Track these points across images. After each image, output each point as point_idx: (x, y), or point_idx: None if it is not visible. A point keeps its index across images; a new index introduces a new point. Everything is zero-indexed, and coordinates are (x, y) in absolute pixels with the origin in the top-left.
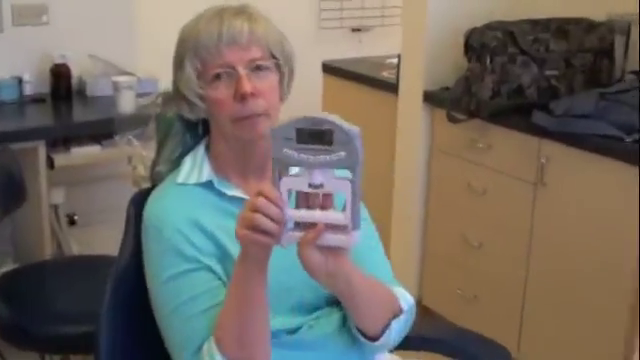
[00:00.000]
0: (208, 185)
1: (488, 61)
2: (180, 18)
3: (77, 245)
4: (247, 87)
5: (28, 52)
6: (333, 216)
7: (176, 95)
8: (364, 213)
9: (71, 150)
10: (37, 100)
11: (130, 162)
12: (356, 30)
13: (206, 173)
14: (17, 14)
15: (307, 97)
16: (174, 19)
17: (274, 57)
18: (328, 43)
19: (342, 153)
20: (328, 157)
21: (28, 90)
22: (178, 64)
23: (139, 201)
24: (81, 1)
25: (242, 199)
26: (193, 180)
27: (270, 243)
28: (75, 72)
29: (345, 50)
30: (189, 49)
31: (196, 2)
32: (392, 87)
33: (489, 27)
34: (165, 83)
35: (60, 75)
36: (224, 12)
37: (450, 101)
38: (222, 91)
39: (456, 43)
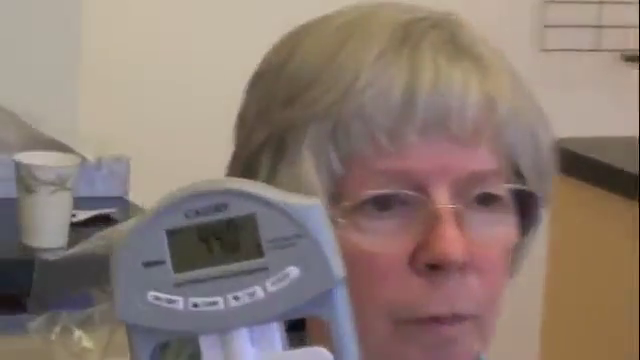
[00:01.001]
0: None
1: None
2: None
3: None
4: (456, 246)
5: None
6: None
7: None
8: None
9: None
10: None
11: None
12: (633, 59)
13: None
14: None
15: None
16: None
17: (519, 175)
18: (562, 86)
19: (293, 270)
20: (260, 290)
21: None
22: (278, 141)
23: None
24: None
25: None
26: None
27: None
28: None
29: (604, 105)
30: (321, 116)
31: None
32: None
33: None
34: (141, 173)
35: None
36: (421, 36)
37: None
38: (387, 240)
39: None
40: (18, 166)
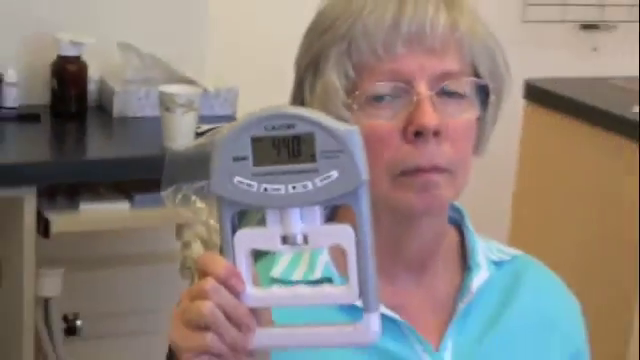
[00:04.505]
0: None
1: None
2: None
3: None
4: (431, 118)
5: (16, 33)
6: (329, 293)
7: None
8: (580, 337)
9: (80, 207)
10: (26, 117)
11: (179, 236)
12: (589, 27)
13: (321, 264)
14: None
15: (494, 139)
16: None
17: (477, 75)
18: (537, 47)
19: (334, 173)
20: (310, 184)
21: (11, 98)
22: (311, 64)
23: None
24: None
25: (386, 317)
26: (298, 275)
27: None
28: (95, 73)
29: (567, 61)
30: (338, 40)
31: None
32: None
33: None
34: (248, 99)
35: (68, 75)
36: None
37: None
38: (385, 120)
39: None
40: (161, 94)
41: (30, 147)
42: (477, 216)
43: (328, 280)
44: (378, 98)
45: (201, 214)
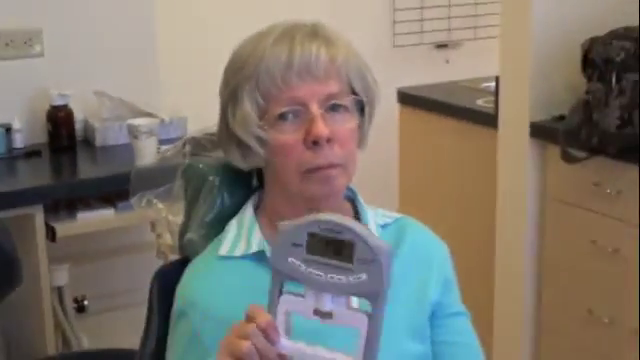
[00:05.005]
0: (259, 257)
1: (614, 80)
2: (210, 43)
3: (88, 337)
4: (323, 130)
5: (17, 92)
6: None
7: (225, 138)
8: (457, 299)
9: (77, 216)
10: (31, 153)
11: (153, 229)
12: (441, 46)
13: (256, 241)
14: (1, 43)
15: (379, 135)
16: (202, 44)
17: (354, 93)
18: (405, 64)
19: (363, 276)
20: (344, 279)
21: (19, 141)
22: (231, 96)
23: (165, 276)
24: (83, 26)
25: None
26: (240, 251)
27: None
28: (79, 115)
29: (427, 72)
30: (248, 78)
31: (230, 23)
32: (490, 119)
33: (614, 35)
34: (195, 124)
35: (59, 120)
36: (295, 31)
37: (565, 134)
38: (289, 134)
39: (571, 58)
40: (129, 126)
41: (36, 175)
42: (375, 193)
43: (261, 253)
44: (283, 118)
45: (162, 212)
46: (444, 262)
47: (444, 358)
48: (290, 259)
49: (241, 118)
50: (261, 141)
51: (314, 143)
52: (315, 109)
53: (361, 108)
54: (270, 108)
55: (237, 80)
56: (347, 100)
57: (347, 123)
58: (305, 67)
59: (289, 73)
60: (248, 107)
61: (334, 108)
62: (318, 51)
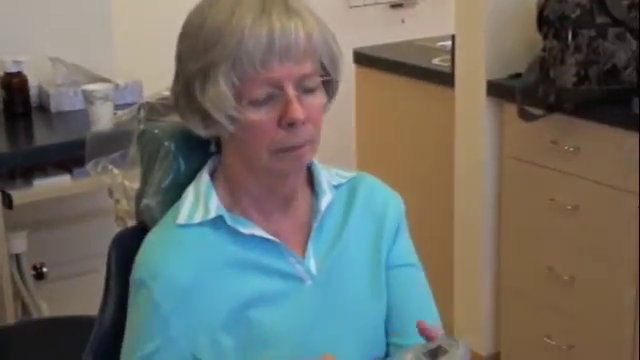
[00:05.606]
0: (217, 223)
1: (570, 37)
2: (164, 6)
3: (47, 304)
4: (299, 113)
5: None
6: None
7: (185, 106)
8: (408, 251)
9: (33, 183)
10: None
11: (111, 195)
12: (396, 6)
13: (214, 207)
14: None
15: (336, 96)
16: (156, 8)
17: (324, 69)
18: (361, 25)
19: None
20: None
21: None
22: (201, 71)
23: (123, 242)
24: None
25: (263, 239)
26: (198, 218)
27: None
28: (33, 81)
29: (383, 33)
30: (225, 57)
31: None
32: (446, 78)
33: None
34: (150, 89)
35: (13, 86)
36: (272, 6)
37: (522, 92)
38: (264, 115)
39: (526, 16)
40: (85, 92)
41: None
42: (333, 154)
43: (219, 218)
44: (259, 100)
45: (117, 178)
46: (396, 214)
47: (393, 309)
48: None
49: (215, 96)
50: (233, 119)
51: (290, 125)
52: (291, 91)
53: (329, 83)
54: (245, 89)
55: (211, 57)
56: (317, 81)
57: (318, 102)
58: (285, 49)
59: (269, 57)
60: (224, 87)
61: (307, 89)
62: (297, 31)
